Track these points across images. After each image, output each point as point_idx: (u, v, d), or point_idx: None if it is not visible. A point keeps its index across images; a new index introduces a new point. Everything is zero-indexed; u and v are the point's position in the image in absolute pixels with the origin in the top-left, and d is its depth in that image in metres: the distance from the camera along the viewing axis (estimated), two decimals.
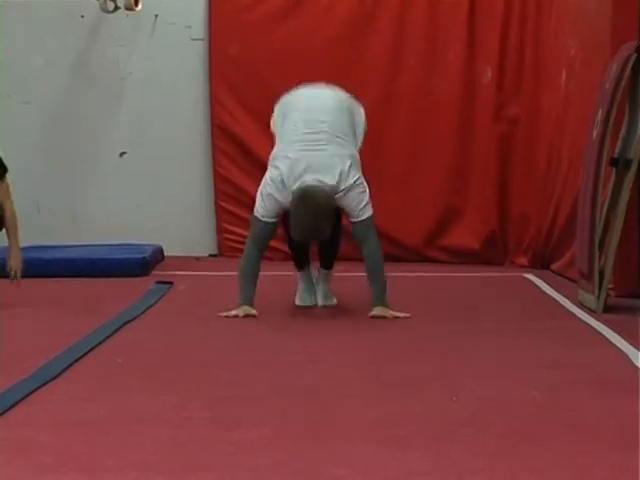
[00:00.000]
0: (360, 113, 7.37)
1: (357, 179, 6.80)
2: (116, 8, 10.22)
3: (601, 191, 7.38)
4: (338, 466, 3.51)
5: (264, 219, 6.81)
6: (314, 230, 6.66)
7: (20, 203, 10.51)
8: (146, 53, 10.59)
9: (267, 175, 6.89)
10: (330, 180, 6.71)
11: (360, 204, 6.77)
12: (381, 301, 6.72)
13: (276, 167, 6.82)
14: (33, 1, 10.55)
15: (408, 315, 6.68)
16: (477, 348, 5.93)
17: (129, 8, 10.16)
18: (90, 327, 6.29)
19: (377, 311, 6.69)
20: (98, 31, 10.60)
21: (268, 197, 6.77)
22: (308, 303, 7.34)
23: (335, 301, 7.38)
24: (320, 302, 7.33)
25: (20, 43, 10.57)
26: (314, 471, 3.50)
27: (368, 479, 3.45)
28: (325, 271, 7.40)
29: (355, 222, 6.82)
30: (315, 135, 6.91)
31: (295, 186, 6.69)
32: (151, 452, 3.81)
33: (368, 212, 6.78)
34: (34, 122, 10.60)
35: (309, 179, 6.69)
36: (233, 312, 6.69)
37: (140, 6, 10.18)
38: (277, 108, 7.21)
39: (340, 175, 6.75)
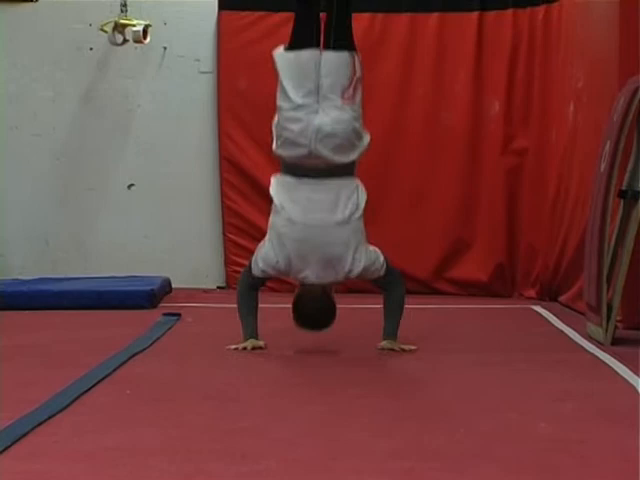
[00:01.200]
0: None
1: (364, 261, 6.51)
2: (125, 41, 10.27)
3: (609, 223, 7.39)
4: None
5: (257, 274, 6.62)
6: (319, 324, 6.60)
7: (29, 235, 10.62)
8: (154, 85, 10.63)
9: (264, 247, 6.60)
10: (340, 274, 6.50)
11: (374, 274, 6.60)
12: (392, 335, 6.62)
13: (263, 251, 6.57)
14: (42, 33, 10.60)
15: (414, 347, 6.61)
16: (485, 380, 5.92)
17: (138, 41, 10.21)
18: (98, 359, 6.29)
19: (386, 343, 6.59)
20: (107, 64, 10.64)
21: (259, 265, 6.58)
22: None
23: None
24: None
25: (29, 75, 10.63)
26: None
27: None
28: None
29: (374, 281, 6.70)
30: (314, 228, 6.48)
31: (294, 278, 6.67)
32: None
33: (382, 269, 6.57)
34: (43, 154, 10.67)
35: (312, 277, 6.46)
36: (242, 345, 6.57)
37: (149, 39, 10.23)
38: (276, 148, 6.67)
39: (351, 265, 6.46)
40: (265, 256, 6.51)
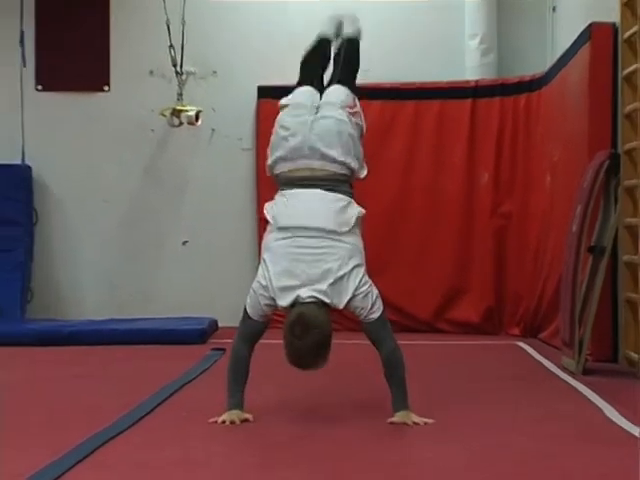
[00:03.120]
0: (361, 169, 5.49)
1: (360, 281, 5.09)
2: (180, 124, 10.31)
3: (580, 273, 7.38)
4: None
5: (254, 317, 5.19)
6: (309, 364, 4.96)
7: (100, 283, 10.64)
8: (205, 160, 10.67)
9: (257, 276, 5.28)
10: (337, 304, 5.04)
11: (369, 306, 5.08)
12: (403, 406, 5.06)
13: (258, 280, 5.23)
14: (112, 117, 10.66)
15: (430, 421, 5.04)
16: (477, 404, 5.89)
17: (191, 123, 10.26)
18: (158, 385, 6.31)
19: (399, 417, 5.02)
20: (165, 142, 10.68)
21: (252, 299, 5.24)
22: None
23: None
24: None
25: (100, 152, 10.68)
26: None
27: None
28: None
29: (366, 323, 5.10)
30: (309, 240, 5.12)
31: (286, 301, 5.03)
32: None
33: (378, 311, 5.11)
34: (111, 217, 10.70)
35: (304, 294, 4.98)
36: (225, 417, 5.07)
37: (200, 122, 10.27)
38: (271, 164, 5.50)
39: (347, 283, 5.03)
40: (257, 280, 5.20)
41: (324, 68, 5.79)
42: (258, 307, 5.15)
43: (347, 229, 5.16)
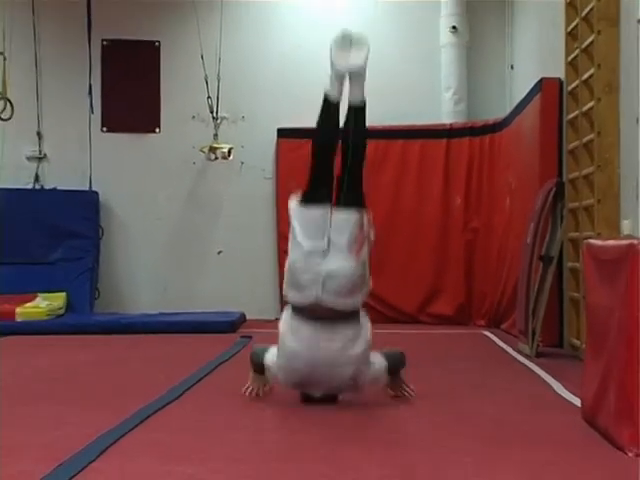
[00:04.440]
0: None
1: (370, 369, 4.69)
2: (216, 158, 10.34)
3: (533, 277, 7.40)
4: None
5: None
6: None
7: (153, 284, 10.66)
8: (235, 187, 10.67)
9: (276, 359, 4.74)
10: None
11: (379, 377, 4.77)
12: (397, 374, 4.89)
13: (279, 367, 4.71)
14: (161, 153, 10.68)
15: (413, 392, 4.89)
16: (451, 380, 5.91)
17: (224, 158, 10.30)
18: (197, 366, 6.33)
19: (391, 385, 4.87)
20: (204, 173, 10.69)
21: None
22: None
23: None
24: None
25: (152, 181, 10.72)
26: None
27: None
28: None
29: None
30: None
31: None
32: (235, 449, 3.83)
33: (385, 377, 4.81)
34: (162, 232, 10.72)
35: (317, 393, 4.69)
36: (247, 386, 4.90)
37: (231, 157, 10.30)
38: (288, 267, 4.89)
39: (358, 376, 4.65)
40: (275, 369, 4.74)
41: (335, 149, 4.97)
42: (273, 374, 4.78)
43: (364, 349, 4.65)
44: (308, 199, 4.83)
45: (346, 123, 4.96)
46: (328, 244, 4.68)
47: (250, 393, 4.86)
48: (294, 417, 4.56)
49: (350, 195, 4.81)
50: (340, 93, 4.93)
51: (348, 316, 4.67)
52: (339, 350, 4.58)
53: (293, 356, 4.62)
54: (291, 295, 4.77)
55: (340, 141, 4.92)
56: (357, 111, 4.98)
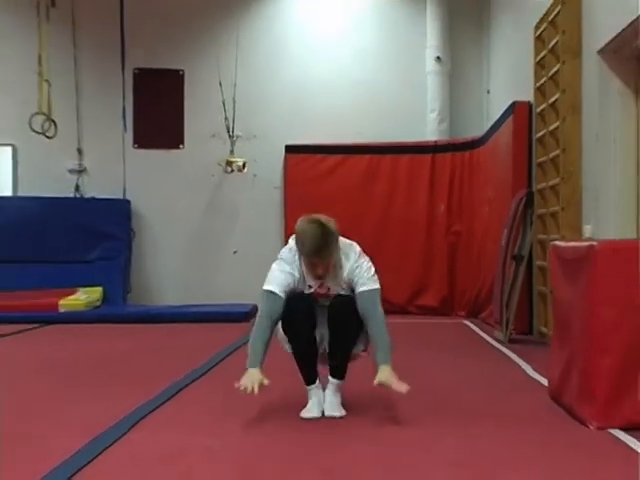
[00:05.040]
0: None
1: (360, 257, 4.00)
2: (232, 170, 10.34)
3: (507, 274, 7.41)
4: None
5: (273, 291, 3.96)
6: (323, 242, 3.82)
7: (176, 281, 10.66)
8: (249, 196, 10.65)
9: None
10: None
11: (367, 273, 3.96)
12: (386, 361, 3.85)
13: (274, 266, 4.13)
14: (184, 166, 10.66)
15: (407, 388, 3.76)
16: (435, 361, 5.92)
17: (239, 170, 10.29)
18: (215, 350, 6.34)
19: (382, 375, 3.78)
20: (222, 183, 10.66)
21: (278, 271, 4.06)
22: (315, 414, 3.94)
23: (343, 412, 3.97)
24: (327, 412, 3.95)
25: (177, 190, 10.68)
26: None
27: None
28: (335, 381, 4.03)
29: (361, 291, 3.93)
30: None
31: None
32: (248, 424, 3.78)
33: (375, 284, 3.97)
34: (185, 234, 10.69)
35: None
36: (245, 382, 3.73)
37: (245, 169, 10.30)
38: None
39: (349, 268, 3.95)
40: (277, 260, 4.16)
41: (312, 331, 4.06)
42: (281, 279, 4.00)
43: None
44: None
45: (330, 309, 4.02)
46: None
47: (244, 391, 3.71)
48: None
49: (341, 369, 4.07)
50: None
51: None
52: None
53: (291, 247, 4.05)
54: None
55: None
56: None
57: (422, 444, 3.45)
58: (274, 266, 4.07)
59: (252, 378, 3.73)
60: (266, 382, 3.74)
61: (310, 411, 3.98)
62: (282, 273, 4.00)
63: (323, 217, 3.90)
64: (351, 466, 3.14)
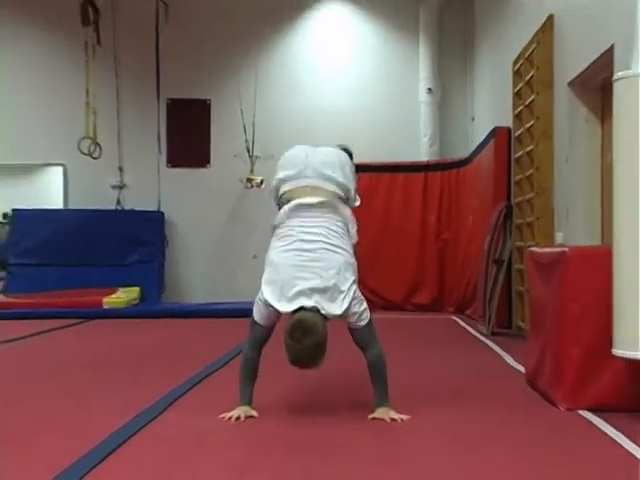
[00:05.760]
0: (351, 215, 3.75)
1: (354, 294, 3.44)
2: (252, 186, 10.33)
3: (489, 276, 7.40)
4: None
5: (259, 323, 3.54)
6: (307, 364, 3.35)
7: (204, 281, 10.66)
8: (266, 208, 10.46)
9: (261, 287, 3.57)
10: (332, 310, 3.40)
11: (358, 313, 3.44)
12: (383, 403, 3.48)
13: (260, 293, 3.56)
14: (211, 182, 10.69)
15: (406, 417, 3.46)
16: (426, 352, 5.91)
17: (258, 186, 10.26)
18: (237, 342, 6.30)
19: (379, 413, 3.45)
20: (243, 197, 10.64)
21: (258, 307, 3.57)
22: None
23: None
24: None
25: (204, 203, 10.71)
26: None
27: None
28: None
29: (355, 329, 3.47)
30: (310, 245, 3.50)
31: (289, 308, 3.41)
32: (263, 410, 3.78)
33: (366, 316, 3.46)
34: (211, 241, 10.70)
35: (307, 304, 3.38)
36: (233, 413, 3.49)
37: (263, 185, 10.28)
38: (278, 179, 3.78)
39: (342, 302, 3.40)
40: (261, 293, 3.56)
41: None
42: (263, 308, 3.52)
43: (349, 245, 3.59)
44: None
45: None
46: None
47: (230, 419, 3.47)
48: (325, 385, 4.46)
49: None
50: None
51: (331, 207, 3.61)
52: (324, 236, 3.51)
53: (283, 245, 3.58)
54: (282, 186, 3.73)
55: None
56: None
57: (414, 421, 3.44)
58: (255, 306, 3.55)
59: (241, 411, 3.50)
60: (255, 414, 3.51)
61: None
62: (260, 313, 3.53)
63: (310, 321, 3.30)
64: (353, 439, 3.14)
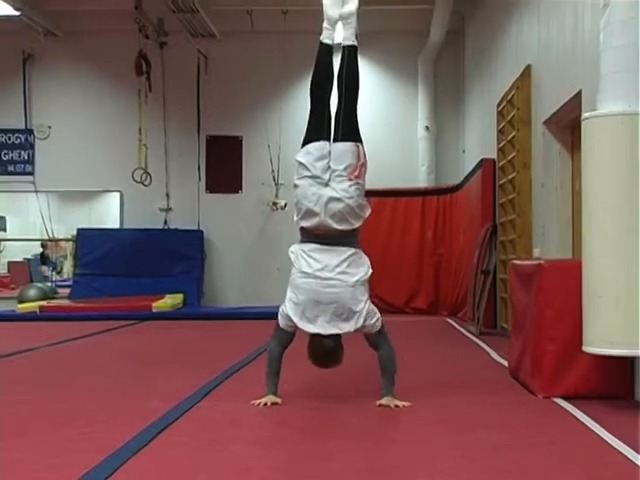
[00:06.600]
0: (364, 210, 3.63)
1: (368, 309, 3.43)
2: (277, 209, 10.27)
3: (477, 284, 7.37)
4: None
5: (284, 328, 3.53)
6: (327, 366, 3.52)
7: (235, 289, 10.66)
8: (289, 228, 10.12)
9: (285, 300, 3.58)
10: (348, 328, 3.41)
11: (371, 325, 3.45)
12: (389, 393, 3.47)
13: (284, 306, 3.55)
14: (243, 207, 10.69)
15: (408, 404, 3.45)
16: (423, 348, 5.89)
17: (282, 209, 10.14)
18: (264, 340, 6.29)
19: (385, 400, 3.45)
20: (270, 218, 10.61)
21: (282, 318, 3.55)
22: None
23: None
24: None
25: (237, 223, 10.67)
26: None
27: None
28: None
29: (369, 334, 3.49)
30: (326, 273, 3.46)
31: (308, 328, 3.44)
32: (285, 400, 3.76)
33: (379, 325, 3.47)
34: (243, 256, 10.67)
35: (322, 330, 3.41)
36: (263, 400, 3.50)
37: (287, 208, 10.16)
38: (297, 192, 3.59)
39: (357, 321, 3.40)
40: (285, 306, 3.54)
41: (330, 89, 3.63)
42: (286, 323, 3.53)
43: (364, 279, 3.48)
44: (310, 141, 3.55)
45: (340, 64, 3.62)
46: (329, 171, 3.49)
47: (258, 404, 3.48)
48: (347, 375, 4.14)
49: (346, 129, 3.53)
50: (333, 39, 3.67)
51: (347, 240, 3.51)
52: (339, 267, 3.44)
53: (302, 276, 3.48)
54: (302, 222, 3.58)
55: (336, 83, 3.63)
56: (349, 50, 3.60)
57: (414, 407, 3.43)
58: (279, 315, 3.54)
59: (268, 399, 3.51)
60: (279, 401, 3.51)
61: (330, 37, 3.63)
62: (284, 323, 3.52)
63: (329, 348, 3.40)
64: (362, 422, 3.14)
